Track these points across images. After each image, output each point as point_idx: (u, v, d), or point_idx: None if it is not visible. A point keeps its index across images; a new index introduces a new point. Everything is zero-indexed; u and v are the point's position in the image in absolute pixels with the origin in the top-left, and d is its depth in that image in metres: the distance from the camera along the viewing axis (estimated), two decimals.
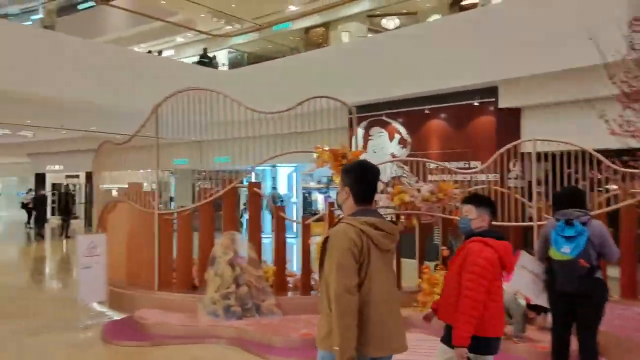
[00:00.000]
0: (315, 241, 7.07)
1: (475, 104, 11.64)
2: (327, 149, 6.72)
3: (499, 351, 3.20)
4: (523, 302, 5.58)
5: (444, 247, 7.28)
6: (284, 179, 18.27)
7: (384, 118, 12.92)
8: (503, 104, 11.36)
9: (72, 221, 18.92)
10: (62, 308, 7.49)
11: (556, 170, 6.98)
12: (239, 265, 6.37)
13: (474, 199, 3.38)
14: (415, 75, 11.80)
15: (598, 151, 6.58)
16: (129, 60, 13.21)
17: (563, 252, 4.24)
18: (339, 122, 7.32)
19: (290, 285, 7.11)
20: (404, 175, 13.29)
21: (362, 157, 14.16)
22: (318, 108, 7.04)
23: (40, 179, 26.00)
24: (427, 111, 12.39)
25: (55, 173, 25.88)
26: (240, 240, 6.58)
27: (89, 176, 23.60)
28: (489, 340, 3.10)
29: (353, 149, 6.96)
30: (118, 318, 6.73)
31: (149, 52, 15.89)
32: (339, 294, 2.38)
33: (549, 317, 5.64)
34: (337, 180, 6.51)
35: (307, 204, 18.17)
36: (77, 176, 25.07)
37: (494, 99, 11.45)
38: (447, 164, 7.37)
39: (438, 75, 11.46)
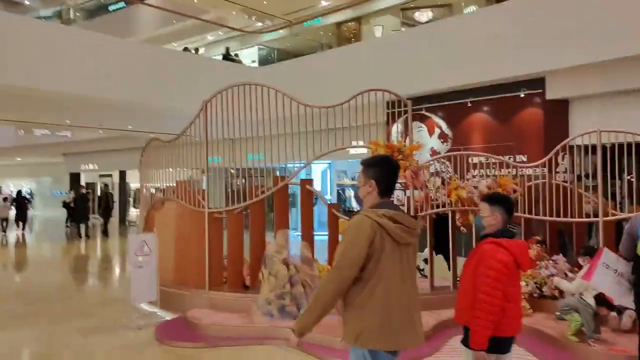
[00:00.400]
0: None
1: (522, 95, 11.25)
2: (381, 144, 6.51)
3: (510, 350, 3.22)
4: (591, 302, 5.29)
5: None
6: (318, 175, 18.12)
7: (423, 112, 12.63)
8: (550, 95, 10.96)
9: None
10: (112, 308, 7.45)
11: (607, 163, 6.61)
12: (294, 264, 6.20)
13: (488, 197, 3.32)
14: (457, 67, 11.48)
15: None
16: (166, 59, 13.19)
17: None
18: (377, 117, 7.04)
19: None
20: (444, 171, 12.99)
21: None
22: (353, 104, 6.78)
23: (75, 178, 26.39)
24: (469, 104, 12.05)
25: (89, 172, 26.24)
26: (293, 238, 6.42)
27: (122, 175, 23.87)
28: (507, 340, 3.12)
29: (407, 143, 6.69)
30: (169, 318, 6.64)
31: (186, 49, 15.83)
32: (333, 280, 2.48)
33: (625, 318, 5.36)
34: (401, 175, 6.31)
35: (341, 201, 17.98)
36: (110, 175, 25.37)
37: (541, 90, 11.06)
38: (504, 158, 7.03)
39: (481, 66, 11.12)
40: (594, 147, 6.82)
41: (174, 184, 7.59)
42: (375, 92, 6.78)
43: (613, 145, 6.65)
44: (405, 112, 6.86)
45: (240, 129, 6.99)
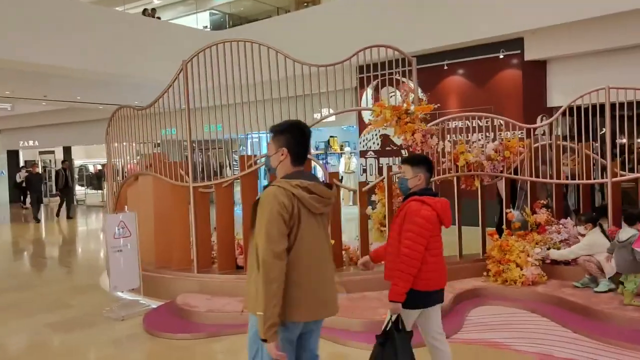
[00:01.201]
0: (371, 212, 6.38)
1: (500, 57, 10.96)
2: (386, 105, 5.96)
3: (443, 300, 3.36)
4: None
5: (509, 210, 6.69)
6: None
7: (395, 77, 12.15)
8: (529, 56, 10.74)
9: (51, 200, 17.66)
10: (88, 297, 6.66)
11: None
12: None
13: (409, 159, 3.43)
14: (432, 29, 11.00)
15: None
16: (117, 22, 11.98)
17: None
18: (345, 84, 6.42)
19: (344, 260, 6.42)
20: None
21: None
22: (322, 70, 6.15)
23: (12, 155, 24.39)
24: (445, 67, 11.66)
25: (28, 149, 24.32)
26: None
27: (67, 152, 22.22)
28: (433, 293, 3.23)
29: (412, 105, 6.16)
30: (155, 306, 5.95)
31: (145, 11, 14.51)
32: (266, 260, 2.35)
33: None
34: (401, 140, 5.80)
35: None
36: (52, 152, 23.61)
37: (519, 51, 10.81)
38: (511, 120, 6.65)
39: (458, 27, 10.70)
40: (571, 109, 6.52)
41: (145, 157, 6.78)
42: (378, 49, 6.21)
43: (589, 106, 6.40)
44: (376, 77, 6.29)
45: (222, 94, 6.26)
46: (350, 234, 7.79)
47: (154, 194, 6.68)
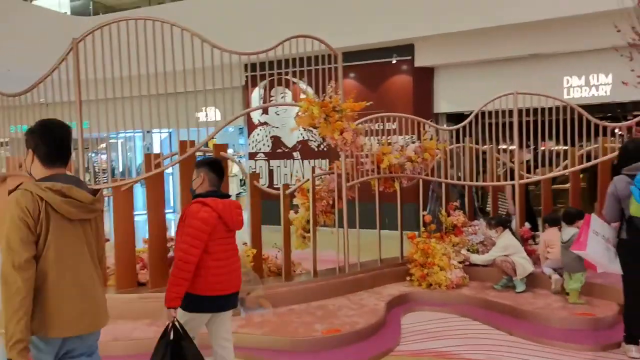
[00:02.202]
0: (293, 217, 5.88)
1: (393, 62, 11.13)
2: (314, 100, 5.51)
3: (237, 306, 3.37)
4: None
5: (424, 212, 6.64)
6: (157, 145, 16.04)
7: (288, 77, 11.79)
8: (419, 62, 11.05)
9: None
10: None
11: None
12: None
13: (196, 162, 3.50)
14: (327, 29, 10.81)
15: None
16: None
17: None
18: (232, 82, 5.87)
19: (264, 271, 5.82)
20: (312, 139, 12.42)
21: (266, 118, 12.76)
22: (207, 65, 5.57)
23: None
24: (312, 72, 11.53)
25: None
26: None
27: None
28: (217, 298, 3.16)
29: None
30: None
31: None
32: (5, 272, 2.17)
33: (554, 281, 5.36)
34: (337, 139, 5.38)
35: None
36: None
37: (410, 57, 11.08)
38: (432, 123, 6.61)
39: (352, 30, 10.64)
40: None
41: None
42: (304, 40, 5.77)
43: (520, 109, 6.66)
44: (263, 76, 5.89)
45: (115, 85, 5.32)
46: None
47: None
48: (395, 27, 10.38)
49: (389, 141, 6.39)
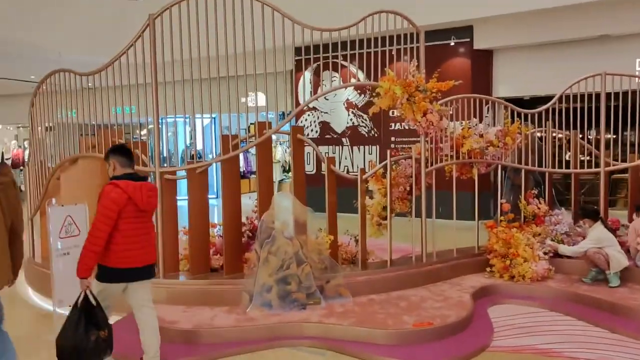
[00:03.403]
0: (371, 202, 5.63)
1: (451, 44, 10.71)
2: (395, 79, 5.21)
3: (152, 276, 3.64)
4: None
5: (503, 200, 6.30)
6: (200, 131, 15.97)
7: (337, 60, 11.50)
8: (478, 44, 10.60)
9: None
10: (19, 314, 5.15)
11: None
12: (297, 237, 4.73)
13: (105, 154, 3.71)
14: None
15: None
16: None
17: None
18: (279, 66, 5.46)
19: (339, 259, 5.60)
20: (362, 125, 12.12)
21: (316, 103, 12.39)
22: (257, 50, 5.17)
23: None
24: (393, 52, 11.18)
25: None
26: (287, 203, 4.91)
27: None
28: (127, 270, 3.46)
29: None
30: (113, 322, 4.69)
31: None
32: None
33: None
34: (420, 121, 5.08)
35: None
36: None
37: (469, 39, 10.63)
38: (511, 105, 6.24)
39: (409, 12, 10.24)
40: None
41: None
42: (387, 16, 5.46)
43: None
44: (316, 60, 5.57)
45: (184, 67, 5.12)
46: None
47: (98, 181, 5.35)
48: (454, 8, 9.95)
49: (469, 125, 6.04)
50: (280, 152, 16.19)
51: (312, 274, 4.76)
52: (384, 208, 5.50)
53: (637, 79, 5.95)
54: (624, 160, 6.52)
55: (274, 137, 16.51)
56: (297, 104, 12.81)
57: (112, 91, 5.29)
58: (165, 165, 5.21)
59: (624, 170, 6.72)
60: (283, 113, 14.88)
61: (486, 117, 10.34)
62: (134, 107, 5.32)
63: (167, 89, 5.16)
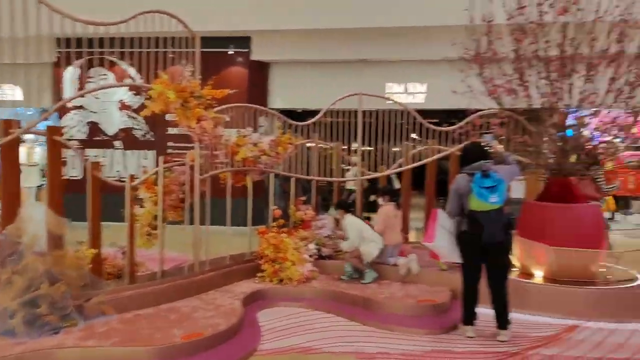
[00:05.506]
0: (141, 211, 5.31)
1: (230, 52, 10.86)
2: (169, 82, 5.02)
3: None
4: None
5: (275, 207, 6.58)
6: None
7: (109, 57, 10.72)
8: (256, 56, 10.98)
9: None
10: None
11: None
12: (51, 253, 4.19)
13: None
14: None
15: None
16: None
17: (492, 201, 4.34)
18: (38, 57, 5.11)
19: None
20: (137, 127, 11.46)
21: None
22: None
23: None
24: (171, 55, 10.81)
25: None
26: (37, 213, 4.32)
27: None
28: None
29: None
30: None
31: None
32: None
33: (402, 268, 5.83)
34: (194, 127, 4.98)
35: None
36: None
37: (247, 50, 10.94)
38: (288, 119, 6.55)
39: (189, 17, 10.07)
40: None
41: None
42: (161, 17, 5.21)
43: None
44: (83, 55, 5.41)
45: None
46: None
47: None
48: (233, 18, 10.16)
49: (243, 134, 6.15)
50: (40, 154, 14.31)
51: (69, 292, 4.26)
52: (156, 217, 5.25)
53: (387, 100, 6.83)
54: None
55: (32, 137, 14.60)
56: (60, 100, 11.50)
57: None
58: None
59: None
60: (44, 110, 13.22)
61: (261, 126, 10.74)
62: None
63: None
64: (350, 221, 6.03)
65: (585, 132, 5.94)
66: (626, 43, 5.44)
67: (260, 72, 11.23)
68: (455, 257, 4.68)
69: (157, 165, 5.26)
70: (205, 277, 5.51)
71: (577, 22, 5.46)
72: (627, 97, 5.46)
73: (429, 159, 6.96)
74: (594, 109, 5.61)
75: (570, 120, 5.87)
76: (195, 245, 5.47)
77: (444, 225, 4.64)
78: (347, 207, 6.26)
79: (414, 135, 7.38)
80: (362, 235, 5.91)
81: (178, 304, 4.95)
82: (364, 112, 7.12)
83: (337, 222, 6.36)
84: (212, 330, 4.25)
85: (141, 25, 5.44)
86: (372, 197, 6.53)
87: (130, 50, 5.69)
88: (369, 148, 7.71)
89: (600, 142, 5.71)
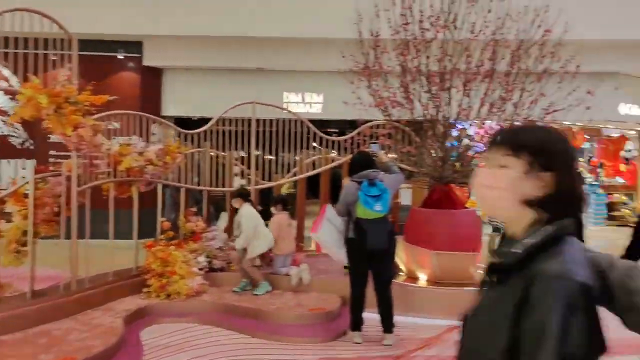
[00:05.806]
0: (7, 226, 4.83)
1: (119, 57, 10.33)
2: (41, 87, 4.63)
3: None
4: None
5: (163, 219, 6.31)
6: None
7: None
8: (148, 61, 10.54)
9: None
10: None
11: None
12: None
13: None
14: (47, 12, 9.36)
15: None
16: None
17: (377, 210, 4.49)
18: None
19: None
20: (14, 134, 10.53)
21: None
22: None
23: None
24: (52, 57, 10.04)
25: None
26: None
27: None
28: None
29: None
30: None
31: None
32: None
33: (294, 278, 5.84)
34: (70, 135, 4.63)
35: None
36: None
37: (139, 55, 10.47)
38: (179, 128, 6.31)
39: (76, 18, 9.46)
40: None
41: None
42: (31, 15, 4.79)
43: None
44: None
45: None
46: None
47: None
48: (123, 20, 9.69)
49: (127, 142, 5.84)
50: None
51: None
52: (25, 232, 4.81)
53: (279, 109, 6.83)
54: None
55: None
56: None
57: None
58: None
59: None
60: None
61: (154, 134, 10.33)
62: None
63: None
64: (247, 212, 5.87)
65: (465, 142, 6.35)
66: (497, 61, 5.89)
67: (153, 78, 10.79)
68: (339, 254, 4.78)
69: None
70: (83, 295, 5.12)
71: (454, 40, 5.83)
72: (499, 111, 5.90)
73: (323, 168, 7.06)
74: (471, 121, 6.00)
75: (453, 132, 6.25)
76: (72, 260, 5.08)
77: (331, 220, 4.74)
78: (245, 196, 6.08)
79: (314, 144, 7.46)
80: (256, 230, 5.81)
81: (50, 327, 4.55)
82: (262, 120, 7.08)
83: (235, 211, 6.15)
84: (85, 354, 3.95)
85: (17, 24, 5.03)
86: (260, 207, 6.43)
87: (5, 50, 5.18)
88: (270, 157, 7.68)
89: (477, 152, 6.11)
